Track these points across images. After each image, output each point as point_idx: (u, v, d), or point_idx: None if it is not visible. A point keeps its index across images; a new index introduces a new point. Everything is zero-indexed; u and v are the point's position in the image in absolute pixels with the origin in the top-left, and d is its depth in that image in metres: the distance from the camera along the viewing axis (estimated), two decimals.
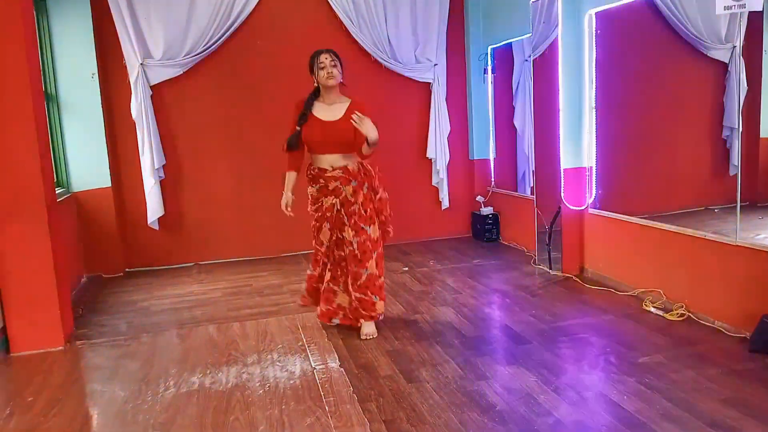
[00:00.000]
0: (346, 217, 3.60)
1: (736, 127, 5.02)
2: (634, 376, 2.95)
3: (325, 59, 3.55)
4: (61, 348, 3.80)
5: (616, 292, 4.27)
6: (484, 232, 6.25)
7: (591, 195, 4.66)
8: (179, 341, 3.82)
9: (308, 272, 3.93)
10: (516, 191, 6.22)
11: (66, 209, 5.14)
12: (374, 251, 3.67)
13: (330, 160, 3.59)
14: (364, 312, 3.65)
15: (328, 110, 3.60)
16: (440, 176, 6.33)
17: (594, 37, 4.54)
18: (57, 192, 5.06)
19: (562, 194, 4.74)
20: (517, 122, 6.26)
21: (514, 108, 6.27)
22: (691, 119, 5.05)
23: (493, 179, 6.39)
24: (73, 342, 3.90)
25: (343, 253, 3.67)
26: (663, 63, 5.07)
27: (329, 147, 3.57)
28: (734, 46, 4.95)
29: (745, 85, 4.96)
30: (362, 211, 3.61)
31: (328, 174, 3.59)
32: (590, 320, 3.77)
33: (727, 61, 4.98)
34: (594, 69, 4.56)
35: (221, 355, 3.51)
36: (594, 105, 4.60)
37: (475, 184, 6.50)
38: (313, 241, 3.77)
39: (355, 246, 3.60)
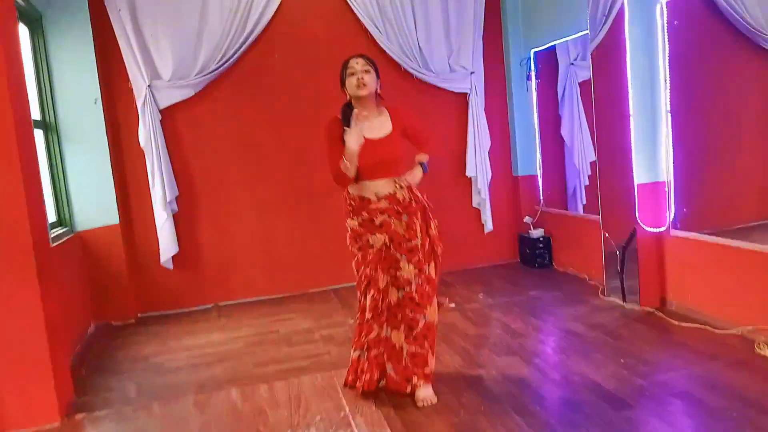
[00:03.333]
0: (399, 254, 2.97)
1: None
2: None
3: (355, 64, 2.96)
4: (57, 424, 3.18)
5: (713, 330, 3.57)
6: (535, 257, 5.56)
7: (671, 214, 3.97)
8: (197, 412, 3.18)
9: (356, 337, 3.16)
10: (567, 210, 5.55)
11: (67, 252, 4.56)
12: (433, 296, 3.02)
13: (376, 187, 2.97)
14: (417, 370, 2.99)
15: (371, 127, 2.99)
16: (482, 196, 5.67)
17: (666, 31, 3.88)
18: (58, 233, 4.53)
19: (637, 214, 4.05)
20: (564, 133, 5.61)
21: (560, 117, 5.62)
22: (757, 120, 4.38)
23: (541, 197, 5.72)
24: (72, 415, 3.28)
25: (394, 299, 3.02)
26: (735, 60, 4.41)
27: (380, 170, 2.95)
28: None
29: None
30: (420, 247, 2.98)
31: (373, 206, 2.97)
32: (696, 371, 3.07)
33: None
34: (668, 67, 3.89)
35: None
36: (669, 109, 3.93)
37: (521, 204, 5.83)
38: (361, 291, 3.08)
39: (414, 287, 2.96)
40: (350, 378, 3.19)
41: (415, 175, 3.07)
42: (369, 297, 3.02)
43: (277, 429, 2.87)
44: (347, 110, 3.00)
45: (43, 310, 3.19)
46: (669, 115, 3.93)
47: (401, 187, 2.99)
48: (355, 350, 3.14)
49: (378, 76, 3.01)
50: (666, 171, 3.96)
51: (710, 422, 2.58)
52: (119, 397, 3.48)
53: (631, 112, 4.01)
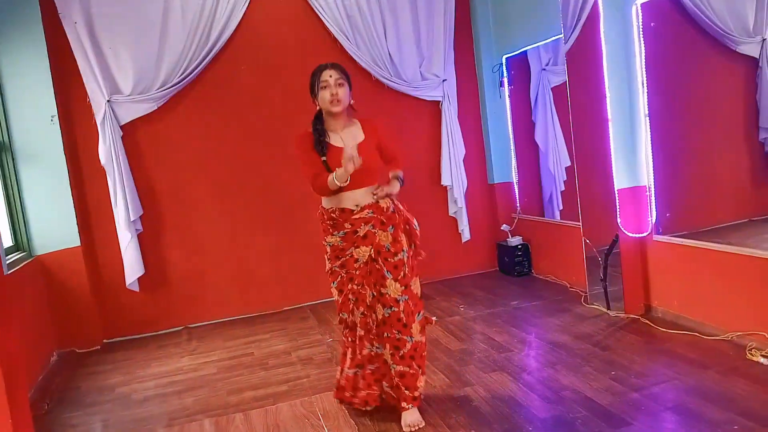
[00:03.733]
0: (385, 270, 2.81)
1: None
2: None
3: (328, 78, 2.79)
4: None
5: (702, 336, 3.49)
6: (514, 265, 5.46)
7: (653, 218, 3.89)
8: None
9: (342, 356, 3.06)
10: (543, 216, 5.46)
11: (26, 278, 4.30)
12: (417, 312, 2.88)
13: (356, 198, 2.82)
14: (406, 392, 2.83)
15: (344, 137, 2.85)
16: (458, 205, 5.56)
17: (642, 33, 3.82)
18: (16, 258, 4.28)
19: (619, 220, 3.97)
20: (538, 138, 5.53)
21: (534, 123, 5.55)
22: (729, 122, 4.39)
23: (518, 204, 5.62)
24: None
25: (380, 316, 2.86)
26: (700, 62, 4.41)
27: (357, 179, 2.77)
28: (764, 39, 4.32)
29: None
30: (406, 262, 2.83)
31: (356, 216, 2.81)
32: (689, 381, 2.97)
33: (757, 56, 4.33)
34: (645, 70, 3.83)
35: None
36: (647, 112, 3.86)
37: (498, 211, 5.73)
38: (341, 311, 2.94)
39: (402, 306, 2.81)
40: (347, 395, 2.99)
41: (393, 188, 2.92)
42: (358, 314, 2.87)
43: None
44: (318, 123, 2.86)
45: None
46: (647, 118, 3.86)
47: (382, 197, 2.85)
48: (349, 368, 2.96)
49: (351, 88, 2.87)
50: (647, 175, 3.88)
51: None
52: None
53: (609, 116, 3.93)
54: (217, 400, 3.49)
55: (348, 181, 2.68)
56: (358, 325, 2.89)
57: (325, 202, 2.89)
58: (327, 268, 2.94)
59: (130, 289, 4.87)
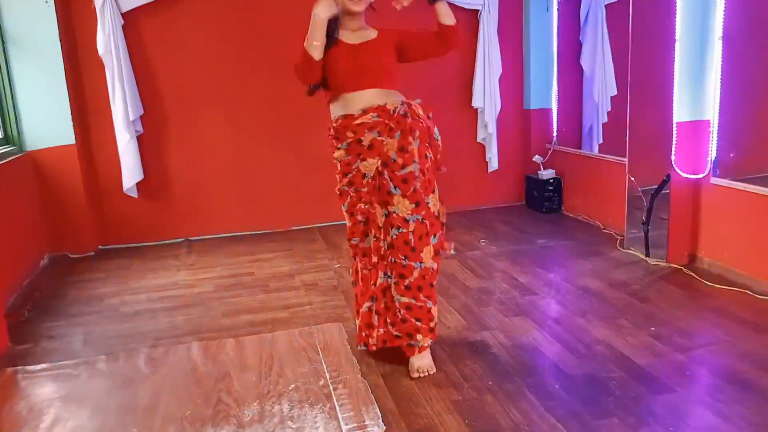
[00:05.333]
0: (392, 185, 2.41)
1: None
2: None
3: None
4: None
5: (756, 295, 3.07)
6: (544, 201, 5.02)
7: (713, 158, 3.41)
8: (149, 371, 2.67)
9: (355, 288, 2.71)
10: (580, 149, 4.98)
11: (15, 172, 3.98)
12: (433, 234, 2.49)
13: (364, 100, 2.41)
14: (417, 323, 2.48)
15: (355, 36, 2.44)
16: (488, 130, 5.07)
17: None
18: (4, 151, 3.93)
19: (673, 157, 3.49)
20: (584, 62, 4.98)
21: (581, 44, 4.97)
22: None
23: (555, 134, 5.12)
24: (3, 368, 2.77)
25: (388, 240, 2.48)
26: None
27: (363, 79, 2.39)
28: None
29: None
30: (418, 174, 2.41)
31: (358, 121, 2.39)
32: (742, 345, 2.59)
33: None
34: None
35: (206, 403, 2.37)
36: (722, 34, 3.30)
37: (531, 141, 5.23)
38: (351, 236, 2.59)
39: (412, 227, 2.42)
40: (363, 335, 2.62)
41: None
42: (371, 237, 2.51)
43: (241, 399, 2.37)
44: (331, 25, 2.39)
45: None
46: (720, 42, 3.31)
47: (395, 100, 2.42)
48: (365, 303, 2.60)
49: None
50: (713, 108, 3.37)
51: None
52: (62, 348, 2.96)
53: (678, 36, 3.38)
54: (209, 321, 3.19)
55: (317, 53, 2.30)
56: (372, 250, 2.53)
57: (332, 109, 2.50)
58: (337, 188, 2.55)
59: (127, 195, 4.54)
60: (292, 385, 2.45)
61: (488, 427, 2.10)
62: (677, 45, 3.40)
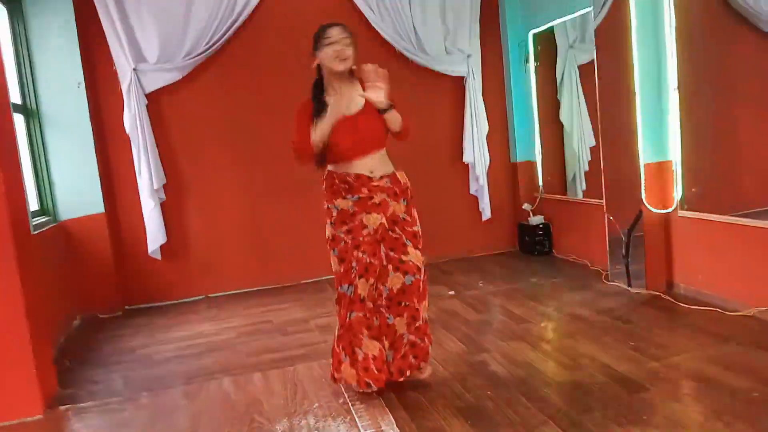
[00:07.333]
0: (405, 238, 2.77)
1: None
2: None
3: (335, 34, 2.69)
4: (39, 417, 3.00)
5: (726, 312, 3.43)
6: (535, 245, 5.42)
7: (679, 193, 3.83)
8: (187, 402, 3.01)
9: (337, 331, 2.85)
10: (566, 195, 5.41)
11: (50, 241, 4.37)
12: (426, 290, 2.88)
13: (368, 165, 2.76)
14: (413, 361, 2.80)
15: (344, 99, 2.74)
16: (480, 183, 5.52)
17: (673, 5, 3.74)
18: (40, 221, 4.35)
19: (643, 195, 3.92)
20: (563, 118, 5.47)
21: (559, 102, 5.49)
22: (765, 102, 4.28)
23: (540, 183, 5.57)
24: (55, 407, 3.10)
25: (398, 285, 2.75)
26: (733, 39, 4.32)
27: (364, 147, 2.74)
28: None
29: None
30: (419, 233, 2.83)
31: (375, 183, 2.75)
32: (710, 352, 2.94)
33: None
34: (675, 42, 3.75)
35: (241, 422, 2.70)
36: (676, 85, 3.79)
37: (520, 190, 5.68)
38: (340, 284, 2.81)
39: (423, 275, 2.79)
40: (380, 375, 2.73)
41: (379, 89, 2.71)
42: (367, 285, 2.73)
43: (272, 417, 2.70)
44: (317, 90, 2.79)
45: (23, 298, 3.01)
46: (676, 91, 3.79)
47: (392, 166, 2.82)
48: (367, 345, 2.74)
49: (356, 52, 2.76)
50: (673, 149, 3.82)
51: (731, 403, 2.44)
52: (105, 389, 3.30)
53: (637, 89, 3.87)
54: (236, 361, 3.53)
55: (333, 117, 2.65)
56: (366, 297, 2.74)
57: (335, 169, 2.81)
58: (328, 234, 2.82)
59: (152, 257, 4.92)
60: (316, 404, 2.78)
61: (489, 425, 2.43)
62: (638, 97, 3.89)
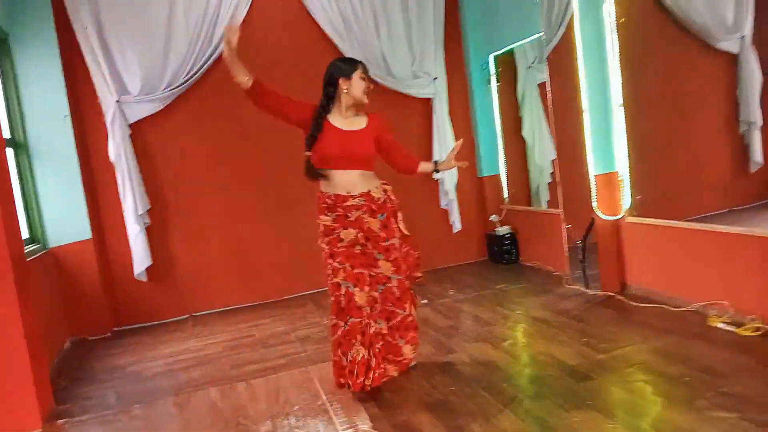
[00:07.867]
0: (376, 253, 3.09)
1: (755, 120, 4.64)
2: (735, 411, 2.43)
3: (366, 72, 3.11)
4: (39, 431, 3.22)
5: (671, 308, 3.75)
6: (503, 253, 5.74)
7: (626, 201, 4.17)
8: (177, 411, 3.25)
9: (334, 334, 3.10)
10: (530, 206, 5.74)
11: (41, 268, 4.58)
12: (407, 291, 3.19)
13: (348, 181, 3.07)
14: (390, 368, 3.18)
15: (347, 122, 3.12)
16: (449, 197, 5.84)
17: (615, 29, 4.10)
18: (31, 249, 4.55)
19: (595, 204, 4.25)
20: (525, 133, 5.82)
21: (521, 118, 5.84)
22: (709, 115, 4.69)
23: (506, 196, 5.90)
24: (53, 421, 3.32)
25: (375, 295, 3.10)
26: (679, 56, 4.71)
27: (347, 161, 3.06)
28: (743, 36, 4.60)
29: (760, 75, 4.59)
30: (398, 246, 3.13)
31: (349, 203, 3.07)
32: (653, 344, 3.25)
33: (737, 53, 4.61)
34: (618, 63, 4.11)
35: (228, 426, 2.95)
36: (621, 102, 4.14)
37: (488, 203, 6.01)
38: (334, 286, 3.08)
39: (395, 283, 3.11)
40: (358, 381, 2.95)
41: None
42: (364, 294, 3.01)
43: (257, 420, 2.96)
44: (324, 105, 3.11)
45: (22, 320, 3.24)
46: (621, 108, 4.14)
47: (375, 184, 3.12)
48: (359, 351, 2.96)
49: None
50: (620, 161, 4.16)
51: (666, 387, 2.75)
52: (99, 404, 3.52)
53: (585, 107, 4.21)
54: (221, 373, 3.77)
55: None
56: (363, 303, 2.99)
57: (323, 187, 3.14)
58: (319, 241, 3.17)
59: (138, 280, 5.15)
60: (297, 407, 3.04)
61: (452, 416, 2.71)
62: (586, 113, 4.23)
